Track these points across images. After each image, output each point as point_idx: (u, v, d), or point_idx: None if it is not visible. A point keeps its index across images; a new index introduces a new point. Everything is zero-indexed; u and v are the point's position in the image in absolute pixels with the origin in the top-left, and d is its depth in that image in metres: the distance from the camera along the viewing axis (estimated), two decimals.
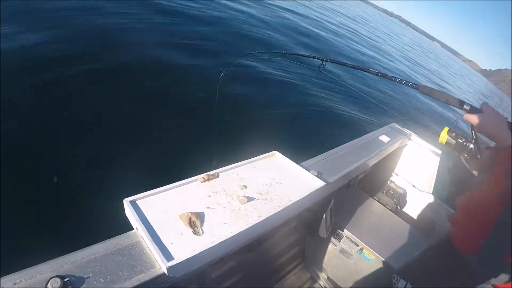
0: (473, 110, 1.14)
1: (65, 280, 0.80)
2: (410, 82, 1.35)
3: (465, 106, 1.15)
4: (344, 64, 1.67)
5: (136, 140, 3.35)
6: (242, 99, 4.86)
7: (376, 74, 1.49)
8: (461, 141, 1.26)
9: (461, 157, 3.31)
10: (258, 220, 1.12)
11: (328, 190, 1.67)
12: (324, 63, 1.69)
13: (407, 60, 16.25)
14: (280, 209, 1.21)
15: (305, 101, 5.96)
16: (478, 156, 1.20)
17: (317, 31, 11.95)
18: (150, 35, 5.48)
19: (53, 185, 2.58)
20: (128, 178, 2.54)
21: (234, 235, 1.03)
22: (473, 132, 1.18)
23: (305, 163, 1.64)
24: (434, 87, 1.31)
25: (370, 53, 13.09)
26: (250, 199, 1.22)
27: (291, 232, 2.08)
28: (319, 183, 1.44)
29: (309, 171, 1.51)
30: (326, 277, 2.33)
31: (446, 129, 1.31)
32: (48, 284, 0.78)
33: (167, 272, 0.89)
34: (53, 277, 0.79)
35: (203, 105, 4.00)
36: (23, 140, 2.87)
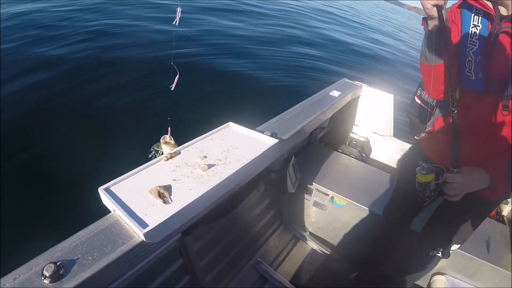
0: None
1: (58, 264, 0.91)
2: None
3: None
4: None
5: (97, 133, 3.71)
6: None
7: None
8: None
9: (415, 97, 3.56)
10: (219, 181, 1.26)
11: (286, 147, 1.82)
12: None
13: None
14: (238, 168, 1.36)
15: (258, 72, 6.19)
16: None
17: None
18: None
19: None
20: (96, 170, 2.85)
21: (199, 197, 1.17)
22: None
23: (259, 127, 1.78)
24: None
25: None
26: (210, 166, 1.36)
27: (263, 197, 2.23)
28: (273, 141, 1.59)
29: (263, 133, 1.66)
30: (308, 233, 2.51)
31: None
32: (44, 271, 0.88)
33: (145, 238, 1.02)
34: (47, 264, 0.90)
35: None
36: None
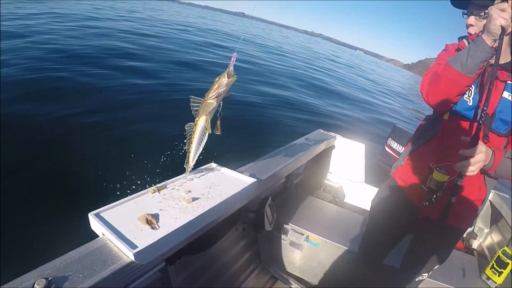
0: None
1: (49, 279, 0.97)
2: None
3: None
4: None
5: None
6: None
7: None
8: None
9: (385, 146, 3.82)
10: (203, 211, 1.40)
11: (263, 188, 1.99)
12: None
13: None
14: (220, 201, 1.49)
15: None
16: None
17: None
18: None
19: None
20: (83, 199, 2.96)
21: (184, 224, 1.29)
22: None
23: (239, 169, 1.95)
24: None
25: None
26: (194, 199, 1.50)
27: (242, 236, 2.33)
28: (251, 180, 1.75)
29: (242, 173, 1.82)
30: (286, 272, 2.57)
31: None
32: (35, 285, 0.94)
33: (134, 259, 1.12)
34: (38, 279, 0.96)
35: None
36: None
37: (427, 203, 1.40)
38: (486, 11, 1.32)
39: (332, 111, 9.37)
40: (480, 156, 1.27)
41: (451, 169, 1.36)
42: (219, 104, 1.45)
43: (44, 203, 3.10)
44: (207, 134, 1.53)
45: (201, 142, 1.55)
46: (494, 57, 1.25)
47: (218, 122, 1.51)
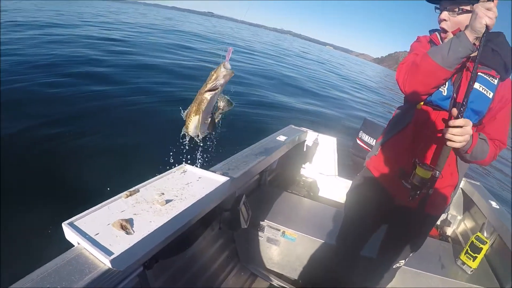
0: None
1: None
2: None
3: None
4: None
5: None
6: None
7: None
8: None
9: (357, 139, 3.91)
10: (177, 213, 1.41)
11: (236, 186, 2.01)
12: None
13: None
14: (194, 201, 1.51)
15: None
16: None
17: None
18: None
19: None
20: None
21: (159, 227, 1.30)
22: None
23: (211, 168, 1.96)
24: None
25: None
26: (168, 201, 1.50)
27: (218, 235, 2.35)
28: (224, 179, 1.77)
29: (215, 172, 1.84)
30: (265, 269, 2.60)
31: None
32: None
33: (111, 265, 1.12)
34: None
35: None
36: None
37: (411, 199, 1.45)
38: (460, 6, 1.38)
39: (302, 107, 9.50)
40: (469, 128, 1.30)
41: (429, 160, 1.44)
42: (215, 100, 1.41)
43: (15, 217, 3.00)
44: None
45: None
46: (475, 52, 1.30)
47: (212, 120, 1.49)
